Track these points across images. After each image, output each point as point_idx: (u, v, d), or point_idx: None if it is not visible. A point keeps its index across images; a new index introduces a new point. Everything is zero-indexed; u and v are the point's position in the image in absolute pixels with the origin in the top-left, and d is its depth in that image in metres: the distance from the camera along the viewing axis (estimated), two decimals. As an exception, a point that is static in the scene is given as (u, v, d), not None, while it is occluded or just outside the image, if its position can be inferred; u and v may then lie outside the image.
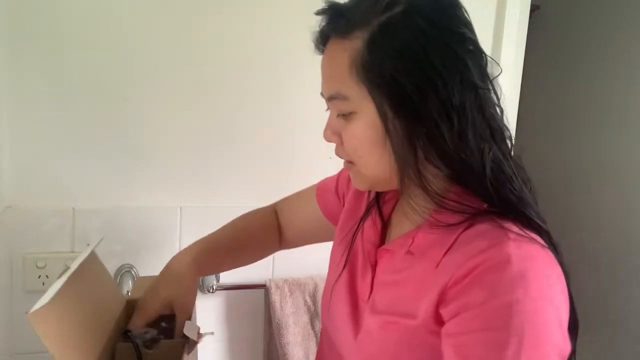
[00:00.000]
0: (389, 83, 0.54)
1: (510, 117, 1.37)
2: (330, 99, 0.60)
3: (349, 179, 0.82)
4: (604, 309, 1.88)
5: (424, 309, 0.56)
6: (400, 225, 0.67)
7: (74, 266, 0.67)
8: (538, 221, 0.56)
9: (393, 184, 0.61)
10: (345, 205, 0.79)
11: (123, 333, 0.72)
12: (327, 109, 0.65)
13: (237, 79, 1.19)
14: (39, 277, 1.10)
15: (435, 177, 0.58)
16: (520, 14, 1.33)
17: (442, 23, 0.54)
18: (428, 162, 0.57)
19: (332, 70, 0.59)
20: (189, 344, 0.72)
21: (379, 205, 0.71)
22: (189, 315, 0.76)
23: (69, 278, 0.63)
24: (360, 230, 0.72)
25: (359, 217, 0.74)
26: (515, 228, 0.54)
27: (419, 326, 0.56)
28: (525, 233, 0.53)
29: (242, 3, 1.17)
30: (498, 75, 0.59)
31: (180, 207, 1.19)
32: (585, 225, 1.99)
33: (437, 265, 0.56)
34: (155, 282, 0.77)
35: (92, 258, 0.75)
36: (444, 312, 0.54)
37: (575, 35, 2.08)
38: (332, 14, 0.59)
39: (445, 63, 0.54)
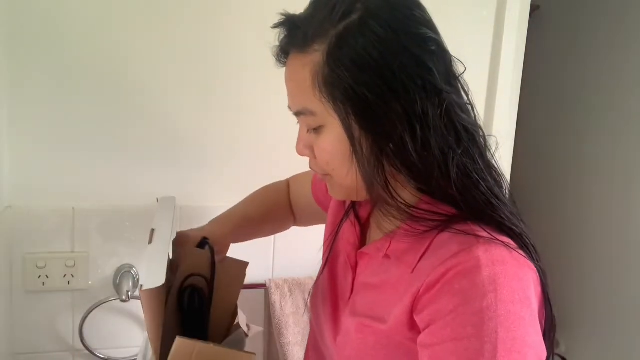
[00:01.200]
0: (351, 97, 0.52)
1: (510, 117, 1.37)
2: (298, 114, 0.59)
3: None
4: (603, 309, 1.88)
5: (395, 314, 0.55)
6: (378, 228, 0.66)
7: (165, 233, 0.71)
8: (509, 224, 0.55)
9: (365, 195, 0.60)
10: (331, 202, 0.79)
11: (200, 241, 0.79)
12: (298, 122, 0.63)
13: (237, 79, 1.19)
14: (39, 277, 1.10)
15: (405, 187, 0.58)
16: (520, 14, 1.33)
17: (399, 26, 0.52)
18: (396, 173, 0.55)
19: (295, 85, 0.58)
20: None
21: (355, 207, 0.70)
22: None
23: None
24: (340, 231, 0.72)
25: (340, 218, 0.74)
26: (484, 233, 0.52)
27: (390, 331, 0.56)
28: (495, 237, 0.52)
29: (241, 3, 1.17)
30: (463, 73, 0.57)
31: (180, 207, 1.19)
32: (585, 224, 1.99)
33: (413, 270, 0.56)
34: (199, 228, 0.86)
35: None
36: (418, 320, 0.53)
37: (575, 35, 2.08)
38: (289, 27, 0.58)
39: (406, 68, 0.51)
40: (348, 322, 0.63)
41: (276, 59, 0.61)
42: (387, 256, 0.60)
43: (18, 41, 1.05)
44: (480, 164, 0.56)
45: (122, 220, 1.15)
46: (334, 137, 0.56)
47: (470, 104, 0.58)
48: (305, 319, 1.26)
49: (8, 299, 1.10)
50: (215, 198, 1.21)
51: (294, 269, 1.28)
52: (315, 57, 0.54)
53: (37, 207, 1.10)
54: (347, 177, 0.58)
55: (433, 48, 0.53)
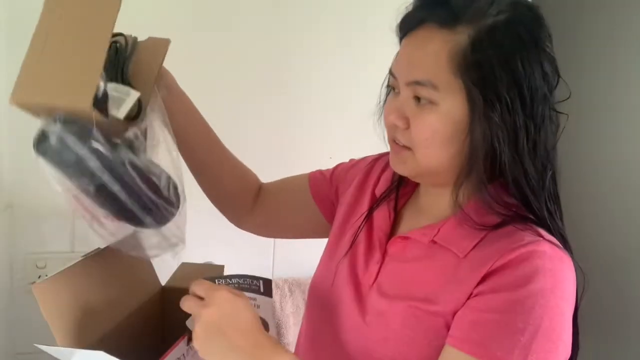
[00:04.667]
0: (486, 85, 0.56)
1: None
2: (414, 83, 0.59)
3: (346, 173, 0.83)
4: (605, 310, 1.88)
5: (449, 298, 0.58)
6: (415, 219, 0.70)
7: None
8: (565, 236, 0.61)
9: (440, 177, 0.63)
10: (347, 198, 0.80)
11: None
12: (388, 91, 0.66)
13: (237, 78, 1.19)
14: (39, 277, 1.10)
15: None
16: (521, 14, 1.33)
17: (538, 40, 0.58)
18: (493, 166, 0.59)
19: (425, 57, 0.58)
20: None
21: (397, 198, 0.73)
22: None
23: (87, 258, 0.64)
24: (367, 222, 0.73)
25: (362, 211, 0.75)
26: (547, 235, 0.58)
27: (441, 314, 0.58)
28: (554, 241, 0.58)
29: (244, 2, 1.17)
30: (567, 99, 0.63)
31: (180, 207, 1.19)
32: (586, 225, 1.99)
33: (466, 256, 0.59)
34: None
35: None
36: (476, 291, 0.57)
37: (575, 35, 2.08)
38: (436, 1, 0.59)
39: (536, 78, 0.57)
40: (379, 303, 0.65)
41: (401, 26, 0.62)
42: (433, 241, 0.63)
43: (18, 40, 1.05)
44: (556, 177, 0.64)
45: (122, 220, 1.15)
46: (446, 117, 0.58)
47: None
48: (305, 319, 1.26)
49: (8, 299, 1.10)
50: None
51: (294, 269, 1.28)
52: (459, 37, 0.57)
53: (37, 207, 1.10)
54: (436, 157, 0.61)
55: (553, 69, 0.60)
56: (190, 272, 0.83)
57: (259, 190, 0.90)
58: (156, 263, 0.80)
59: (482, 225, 0.59)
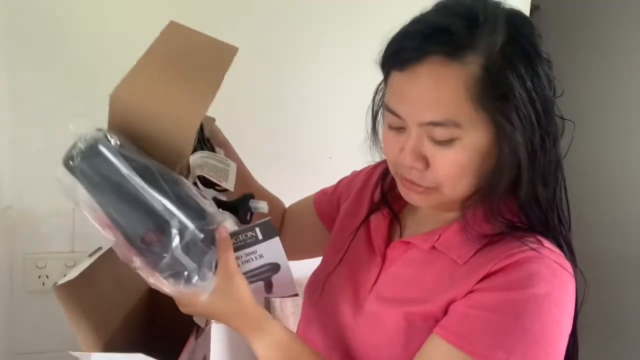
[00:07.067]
0: (508, 108, 0.54)
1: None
2: (430, 125, 0.55)
3: (348, 185, 0.84)
4: (601, 310, 1.88)
5: (442, 298, 0.58)
6: (417, 224, 0.69)
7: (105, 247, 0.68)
8: (572, 247, 0.60)
9: (457, 202, 0.61)
10: (346, 206, 0.80)
11: None
12: (384, 127, 0.62)
13: (236, 77, 1.19)
14: (39, 277, 1.10)
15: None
16: (520, 14, 1.32)
17: (537, 46, 0.55)
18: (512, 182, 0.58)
19: (440, 94, 0.54)
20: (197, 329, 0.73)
21: (389, 203, 0.71)
22: None
23: (99, 257, 0.66)
24: (365, 226, 0.73)
25: (361, 216, 0.75)
26: (547, 243, 0.57)
27: (432, 315, 0.58)
28: (556, 249, 0.58)
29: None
30: (560, 95, 0.61)
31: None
32: (585, 226, 1.99)
33: (465, 263, 0.59)
34: None
35: None
36: (470, 290, 0.57)
37: (575, 35, 2.08)
38: (436, 29, 0.54)
39: (545, 88, 0.56)
40: (376, 306, 0.65)
41: (398, 61, 0.56)
42: (433, 247, 0.62)
43: (19, 40, 1.05)
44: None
45: (122, 220, 1.15)
46: (472, 148, 0.55)
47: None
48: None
49: (8, 299, 1.10)
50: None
51: (294, 269, 1.27)
52: (471, 68, 0.53)
53: (37, 207, 1.10)
54: (465, 187, 0.58)
55: (550, 70, 0.57)
56: None
57: (283, 222, 0.92)
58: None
59: (486, 235, 0.58)
